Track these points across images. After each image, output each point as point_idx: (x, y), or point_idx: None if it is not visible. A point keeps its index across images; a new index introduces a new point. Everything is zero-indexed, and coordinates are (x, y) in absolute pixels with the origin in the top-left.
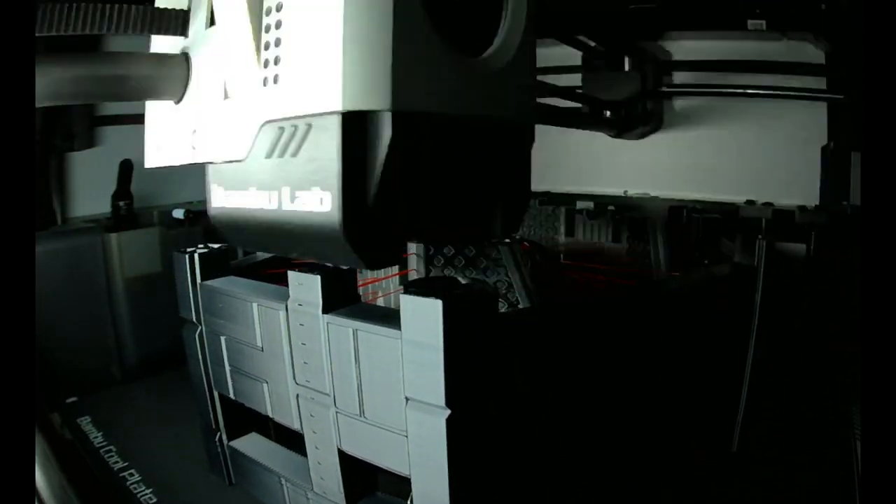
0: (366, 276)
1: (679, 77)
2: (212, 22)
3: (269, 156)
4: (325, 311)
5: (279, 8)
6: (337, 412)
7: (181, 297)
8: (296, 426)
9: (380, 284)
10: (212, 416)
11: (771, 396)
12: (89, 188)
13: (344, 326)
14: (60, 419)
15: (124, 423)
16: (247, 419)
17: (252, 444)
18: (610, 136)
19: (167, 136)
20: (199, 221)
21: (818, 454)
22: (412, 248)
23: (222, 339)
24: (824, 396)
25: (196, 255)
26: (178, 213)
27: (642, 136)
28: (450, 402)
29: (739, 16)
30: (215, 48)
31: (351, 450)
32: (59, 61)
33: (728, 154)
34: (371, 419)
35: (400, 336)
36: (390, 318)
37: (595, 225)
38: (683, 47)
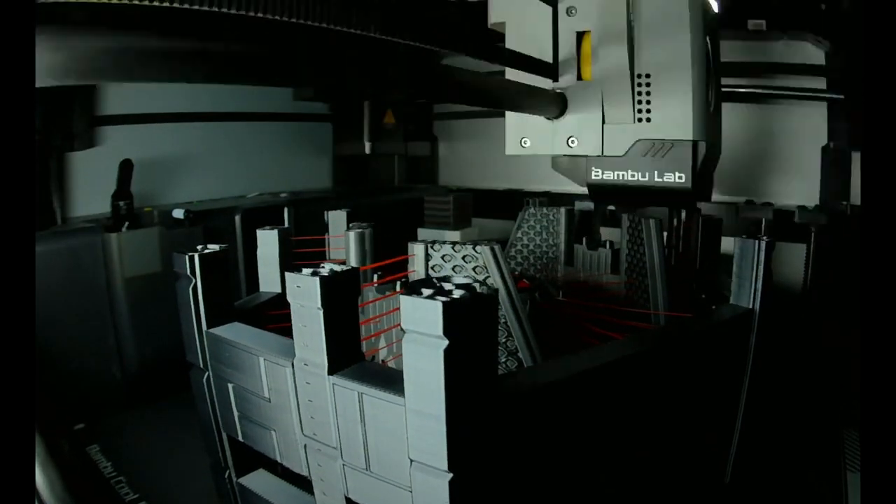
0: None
1: None
2: (578, 77)
3: (644, 155)
4: (331, 372)
5: (648, 83)
6: (343, 464)
7: (187, 342)
8: (304, 473)
9: (382, 324)
10: (220, 454)
11: (764, 428)
12: (89, 188)
13: (349, 389)
14: (68, 447)
15: (133, 450)
16: (255, 457)
17: (261, 482)
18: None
19: (539, 136)
20: (199, 221)
21: (810, 485)
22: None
23: (230, 385)
24: (816, 427)
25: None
26: (178, 213)
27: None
28: (452, 466)
29: (739, 16)
30: (593, 96)
31: (358, 498)
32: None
33: (728, 154)
34: (376, 473)
35: (404, 404)
36: (395, 381)
37: (595, 256)
38: None
